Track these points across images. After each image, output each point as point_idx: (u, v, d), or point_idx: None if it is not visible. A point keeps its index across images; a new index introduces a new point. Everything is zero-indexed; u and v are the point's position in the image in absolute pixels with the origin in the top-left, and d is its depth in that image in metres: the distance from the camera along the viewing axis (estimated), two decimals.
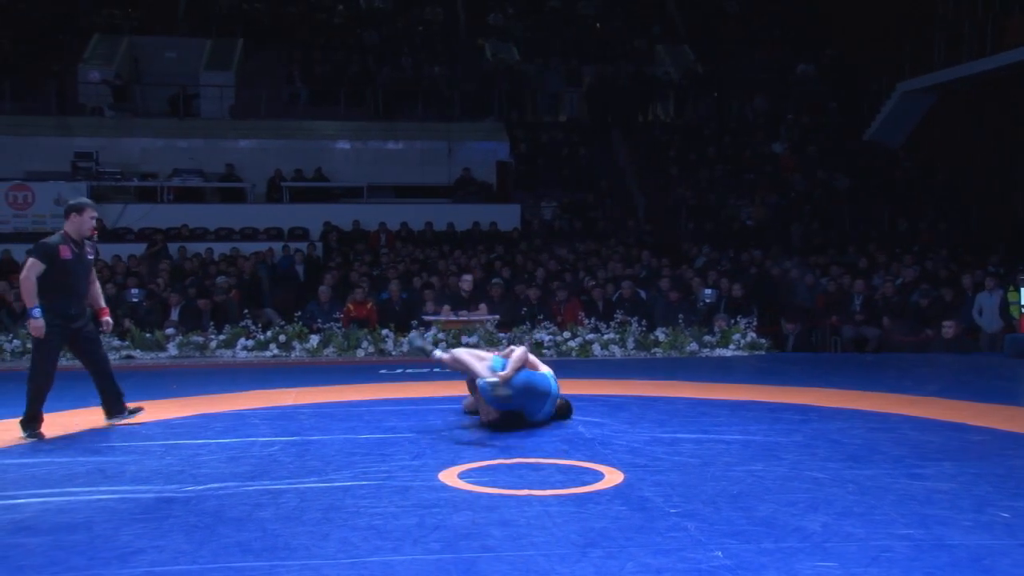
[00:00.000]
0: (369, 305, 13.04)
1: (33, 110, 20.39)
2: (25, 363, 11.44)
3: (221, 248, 16.59)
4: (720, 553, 3.88)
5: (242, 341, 12.09)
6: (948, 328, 12.13)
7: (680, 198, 19.43)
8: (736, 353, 12.02)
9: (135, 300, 13.20)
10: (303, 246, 16.76)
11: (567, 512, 4.49)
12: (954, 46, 19.57)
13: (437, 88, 22.03)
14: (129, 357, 11.83)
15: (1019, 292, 11.86)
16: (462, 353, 6.88)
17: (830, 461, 5.61)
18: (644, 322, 12.54)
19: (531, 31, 24.98)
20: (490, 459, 5.71)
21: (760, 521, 4.32)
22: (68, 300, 6.70)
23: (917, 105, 21.17)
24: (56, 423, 7.17)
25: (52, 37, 22.61)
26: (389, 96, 21.67)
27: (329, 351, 12.04)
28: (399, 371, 10.40)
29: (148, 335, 12.07)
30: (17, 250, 15.85)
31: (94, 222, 6.84)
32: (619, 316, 12.66)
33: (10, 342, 11.90)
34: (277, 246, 16.80)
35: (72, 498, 4.88)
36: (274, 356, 11.99)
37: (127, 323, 12.35)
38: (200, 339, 12.10)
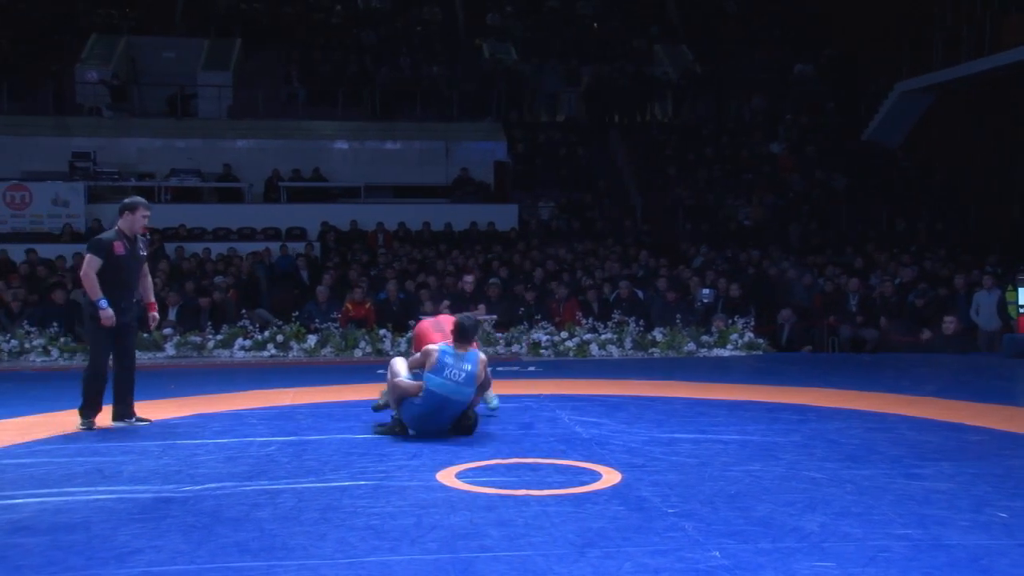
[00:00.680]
0: (367, 305, 13.03)
1: (31, 110, 20.36)
2: (23, 363, 11.49)
3: (218, 248, 16.56)
4: (718, 553, 3.88)
5: (240, 341, 12.08)
6: (949, 324, 12.14)
7: (678, 198, 19.43)
8: (734, 353, 12.03)
9: (134, 300, 13.16)
10: (301, 246, 16.74)
11: (565, 512, 4.49)
12: (952, 46, 19.58)
13: (435, 88, 22.02)
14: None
15: (1017, 292, 11.86)
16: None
17: (828, 461, 5.61)
18: (642, 322, 12.54)
19: (529, 31, 24.97)
20: (488, 459, 5.71)
21: (758, 521, 4.32)
22: (120, 293, 6.95)
23: (915, 105, 21.17)
24: (53, 423, 7.17)
25: (50, 37, 22.58)
26: (387, 96, 21.65)
27: (327, 351, 12.04)
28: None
29: (145, 335, 12.06)
30: (14, 250, 15.85)
31: (146, 220, 7.10)
32: (617, 316, 12.66)
33: (8, 342, 11.89)
34: (275, 246, 16.78)
35: (70, 498, 4.87)
36: (272, 356, 11.98)
37: None
38: (198, 339, 12.09)
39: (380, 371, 10.20)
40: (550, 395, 8.39)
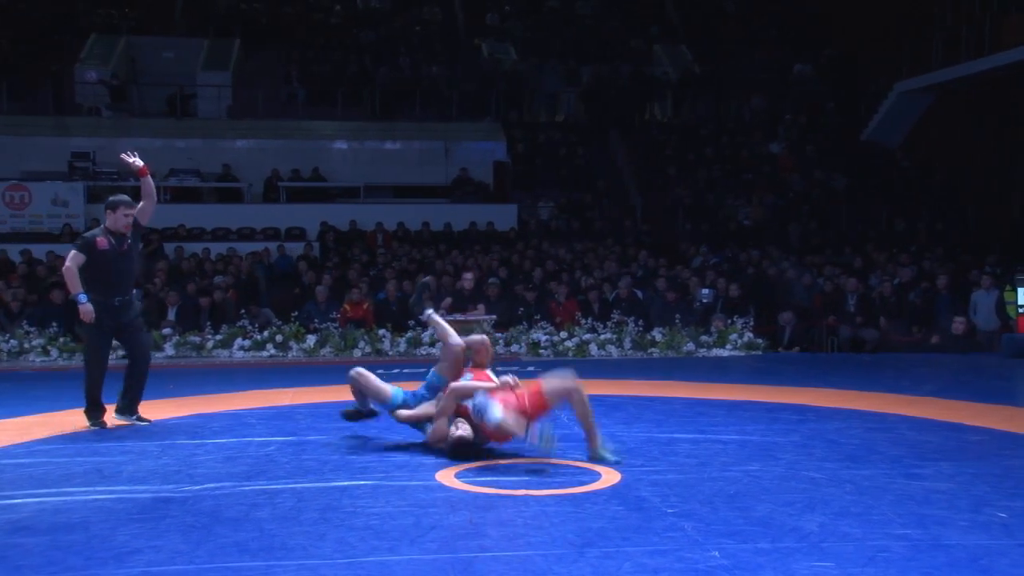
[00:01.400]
0: (365, 305, 13.03)
1: (30, 110, 20.35)
2: (22, 363, 11.49)
3: (218, 248, 16.56)
4: (717, 553, 3.88)
5: (239, 341, 12.09)
6: (958, 324, 12.13)
7: (677, 198, 19.43)
8: (733, 353, 12.03)
9: (131, 298, 13.15)
10: (300, 246, 16.74)
11: (564, 512, 4.49)
12: (952, 46, 19.58)
13: (435, 88, 22.02)
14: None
15: (1016, 292, 11.87)
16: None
17: (827, 461, 5.61)
18: (641, 322, 12.55)
19: (529, 31, 24.97)
20: (487, 459, 5.71)
21: (757, 521, 4.32)
22: (109, 291, 6.93)
23: (915, 105, 21.17)
24: (53, 423, 7.17)
25: (49, 37, 22.57)
26: (386, 96, 21.64)
27: (326, 351, 12.04)
28: (396, 371, 10.39)
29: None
30: (13, 250, 15.85)
31: (128, 218, 7.05)
32: (616, 316, 12.66)
33: (7, 342, 11.89)
34: (274, 246, 16.78)
35: (69, 498, 4.87)
36: (271, 356, 11.99)
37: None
38: (197, 339, 12.09)
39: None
40: None
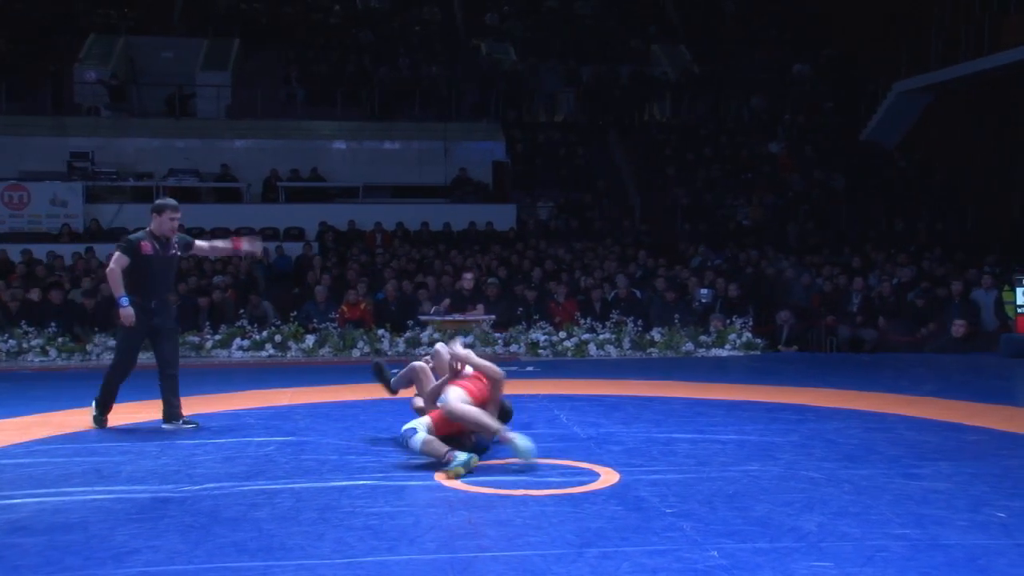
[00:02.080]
0: (363, 306, 13.02)
1: (29, 110, 20.35)
2: (21, 363, 11.49)
3: None
4: (716, 553, 3.88)
5: (238, 341, 12.08)
6: (959, 327, 12.13)
7: (676, 198, 19.44)
8: (732, 353, 12.03)
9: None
10: (299, 246, 16.75)
11: (563, 512, 4.49)
12: (951, 46, 19.59)
13: (434, 88, 22.02)
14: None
15: (1015, 292, 11.87)
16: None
17: (826, 461, 5.61)
18: (640, 322, 12.55)
19: (528, 31, 24.98)
20: (486, 459, 5.71)
21: (756, 521, 4.32)
22: (148, 294, 6.89)
23: (914, 105, 21.19)
24: (52, 423, 7.17)
25: (48, 37, 22.57)
26: (386, 96, 21.65)
27: (325, 351, 12.04)
28: (395, 371, 10.36)
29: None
30: (12, 250, 15.84)
31: (174, 223, 7.04)
32: (615, 316, 12.66)
33: (5, 342, 11.88)
34: (273, 246, 16.77)
35: (68, 498, 4.87)
36: (270, 356, 11.98)
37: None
38: (196, 339, 12.08)
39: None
40: (548, 395, 8.38)
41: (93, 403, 7.02)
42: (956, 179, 20.15)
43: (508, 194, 20.00)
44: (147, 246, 6.88)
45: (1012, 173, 19.08)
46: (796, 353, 12.67)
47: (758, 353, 12.10)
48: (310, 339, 12.12)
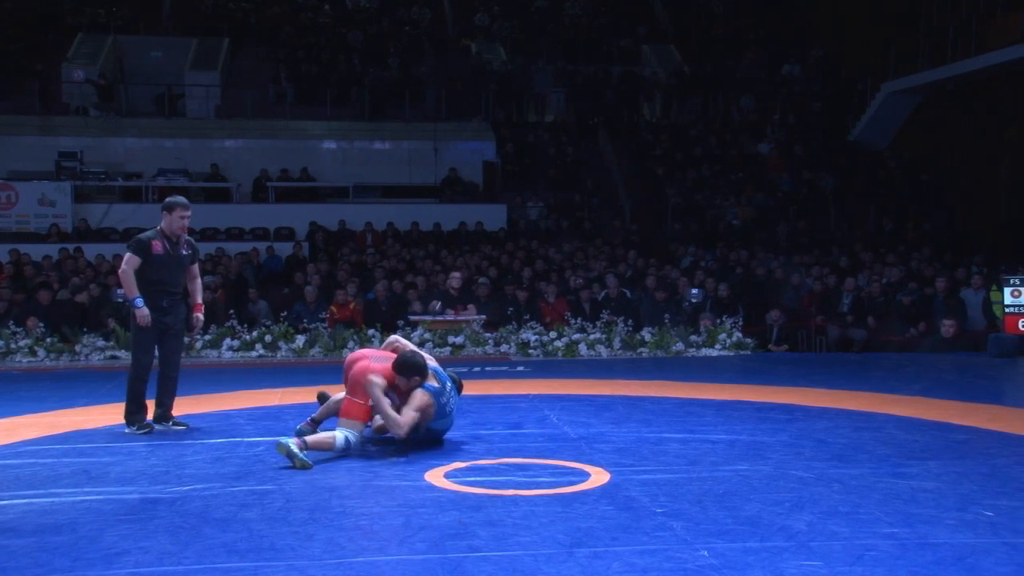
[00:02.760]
0: (352, 306, 13.00)
1: (17, 109, 20.25)
2: (9, 364, 11.43)
3: (206, 248, 16.46)
4: (706, 552, 3.89)
5: (228, 341, 12.05)
6: (948, 327, 12.18)
7: (666, 198, 19.47)
8: (722, 353, 12.05)
9: (120, 300, 13.12)
10: (289, 246, 16.72)
11: (553, 512, 4.50)
12: (939, 47, 19.67)
13: (424, 88, 22.01)
14: (114, 358, 11.77)
15: (1002, 291, 11.93)
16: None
17: (816, 460, 5.63)
18: (630, 322, 12.56)
19: (518, 31, 24.98)
20: (476, 459, 5.71)
21: (746, 520, 4.33)
22: (159, 293, 6.88)
23: (902, 105, 21.26)
24: (41, 423, 7.14)
25: (36, 36, 22.47)
26: (376, 96, 21.63)
27: (315, 351, 12.01)
28: None
29: (186, 339, 11.99)
30: (0, 250, 15.76)
31: (184, 220, 7.05)
32: (605, 316, 12.68)
33: None
34: (263, 246, 16.75)
35: (56, 499, 4.85)
36: (260, 356, 11.96)
37: (112, 323, 12.30)
38: (186, 339, 12.03)
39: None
40: (539, 395, 8.39)
41: (126, 419, 6.87)
42: (945, 179, 20.23)
43: (498, 194, 20.01)
44: (157, 245, 6.89)
45: (1000, 173, 19.17)
46: (786, 353, 12.70)
47: (748, 353, 12.13)
48: (300, 339, 12.10)
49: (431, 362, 6.12)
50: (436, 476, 5.26)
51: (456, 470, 5.42)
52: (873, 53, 21.74)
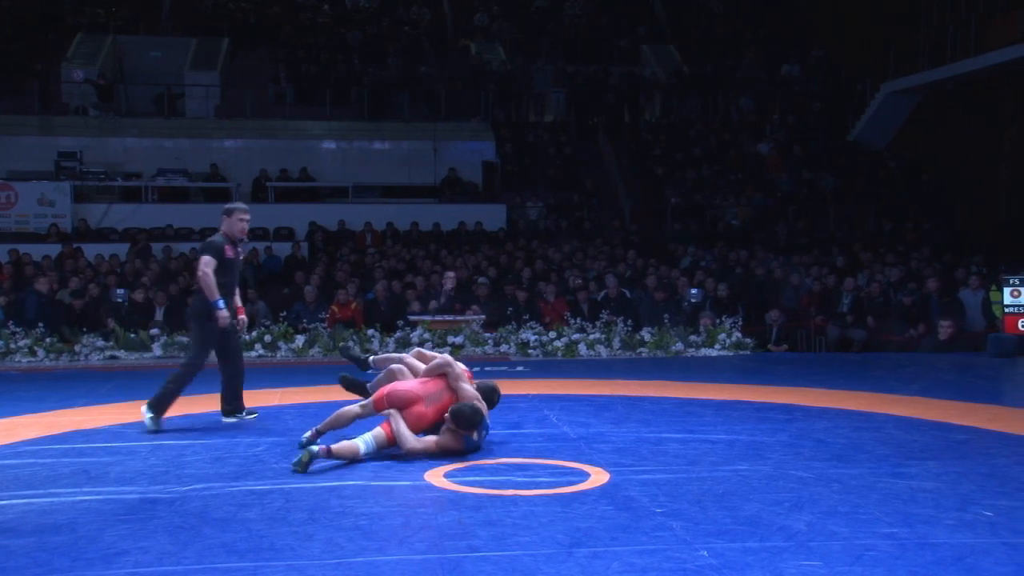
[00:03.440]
0: (353, 306, 13.01)
1: (16, 109, 20.23)
2: (9, 364, 11.43)
3: None
4: (705, 552, 3.89)
5: None
6: (945, 328, 12.18)
7: (666, 198, 19.47)
8: (722, 353, 12.05)
9: (120, 300, 13.14)
10: (288, 246, 16.72)
11: (553, 512, 4.50)
12: (939, 47, 19.67)
13: (423, 88, 22.00)
14: (113, 358, 11.77)
15: (1002, 291, 11.93)
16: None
17: (815, 460, 5.63)
18: (630, 322, 12.56)
19: (517, 31, 24.98)
20: (476, 459, 5.71)
21: (745, 520, 4.33)
22: (228, 295, 7.08)
23: (902, 106, 21.26)
24: (40, 423, 7.14)
25: (36, 36, 22.46)
26: (375, 96, 21.62)
27: (315, 351, 12.01)
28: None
29: (133, 335, 12.02)
30: (0, 250, 15.76)
31: (244, 224, 7.21)
32: (605, 316, 12.68)
33: None
34: (262, 246, 16.74)
35: (56, 499, 4.85)
36: (260, 356, 11.95)
37: (111, 323, 12.30)
38: (185, 339, 12.03)
39: (369, 371, 10.18)
40: (538, 395, 8.39)
41: (150, 406, 6.90)
42: (945, 179, 20.23)
43: (498, 194, 20.00)
44: (229, 249, 7.09)
45: (1000, 173, 19.17)
46: (785, 353, 12.70)
47: (747, 353, 12.13)
48: (300, 339, 12.10)
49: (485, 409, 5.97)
50: (436, 476, 5.26)
51: (455, 470, 5.42)
52: (873, 53, 21.74)
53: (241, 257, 7.32)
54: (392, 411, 5.84)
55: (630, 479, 5.14)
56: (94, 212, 17.98)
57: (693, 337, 12.29)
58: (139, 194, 18.97)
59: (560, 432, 6.60)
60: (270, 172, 19.66)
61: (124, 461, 5.77)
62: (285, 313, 12.81)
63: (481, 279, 14.00)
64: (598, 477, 5.21)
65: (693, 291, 13.57)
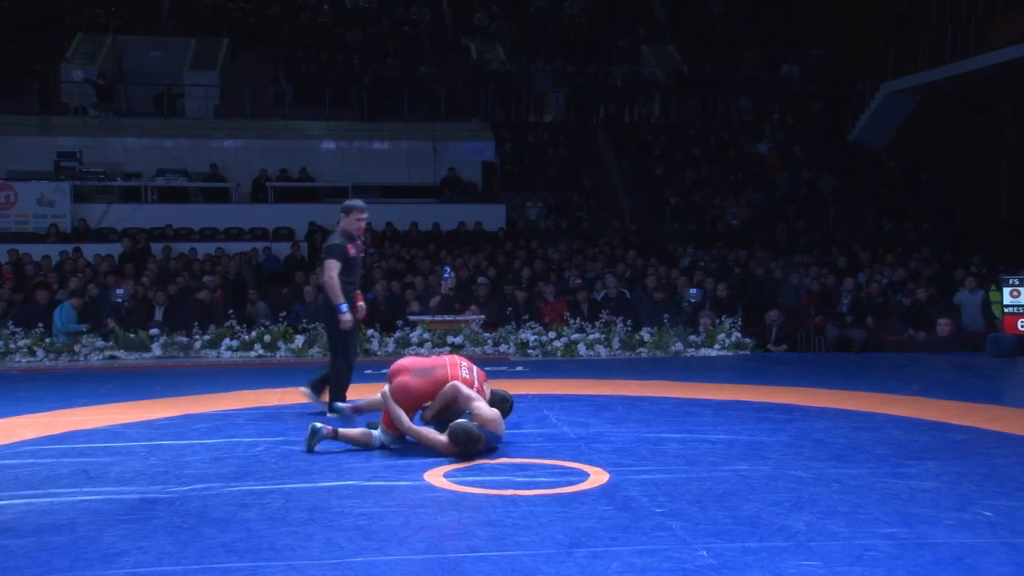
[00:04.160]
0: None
1: (16, 109, 20.24)
2: (8, 364, 11.42)
3: (206, 248, 16.51)
4: (705, 552, 3.89)
5: (227, 341, 12.05)
6: (944, 326, 12.18)
7: (665, 198, 19.47)
8: (721, 353, 12.06)
9: (119, 300, 13.13)
10: (288, 246, 16.72)
11: (552, 512, 4.50)
12: (938, 47, 19.68)
13: (423, 88, 22.00)
14: (113, 357, 11.77)
15: (1001, 291, 11.93)
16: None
17: (814, 460, 5.63)
18: (629, 322, 12.56)
19: (517, 31, 24.98)
20: (476, 459, 5.71)
21: (745, 520, 4.33)
22: (352, 291, 7.35)
23: (902, 106, 21.26)
24: (40, 423, 7.14)
25: (35, 36, 22.46)
26: (375, 96, 21.62)
27: (314, 351, 12.01)
28: (384, 371, 10.35)
29: (132, 335, 12.02)
30: (0, 250, 15.77)
31: (361, 223, 7.35)
32: (604, 316, 12.68)
33: None
34: (261, 246, 16.75)
35: (55, 499, 4.85)
36: (259, 356, 11.95)
37: (111, 323, 12.30)
38: (185, 339, 12.05)
39: (368, 371, 10.21)
40: (538, 395, 8.38)
41: (330, 411, 7.15)
42: (944, 179, 20.23)
43: (497, 194, 20.00)
44: (351, 248, 7.23)
45: (1000, 173, 19.17)
46: (785, 353, 12.70)
47: (747, 353, 12.13)
48: (299, 339, 12.09)
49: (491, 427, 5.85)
50: (435, 476, 5.26)
51: (455, 470, 5.42)
52: (872, 53, 21.74)
53: (362, 253, 7.48)
54: (384, 390, 6.04)
55: (630, 479, 5.14)
56: (94, 212, 17.98)
57: (693, 337, 12.30)
58: (139, 194, 18.97)
59: (560, 432, 6.60)
60: (270, 172, 19.66)
61: (124, 461, 5.77)
62: (285, 313, 12.81)
63: (481, 279, 14.00)
64: (598, 477, 5.21)
65: (693, 291, 13.57)
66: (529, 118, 22.79)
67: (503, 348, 12.04)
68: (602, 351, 12.04)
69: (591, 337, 12.13)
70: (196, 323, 12.53)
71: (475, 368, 6.27)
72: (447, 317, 12.42)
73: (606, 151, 21.59)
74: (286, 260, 16.23)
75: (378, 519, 4.41)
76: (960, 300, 13.16)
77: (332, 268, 7.08)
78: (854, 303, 13.48)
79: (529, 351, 12.01)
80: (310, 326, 12.29)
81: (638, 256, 16.11)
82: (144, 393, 8.56)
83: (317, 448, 5.98)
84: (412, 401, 6.00)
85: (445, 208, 19.02)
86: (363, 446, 6.04)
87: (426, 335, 11.98)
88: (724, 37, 25.31)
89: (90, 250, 15.90)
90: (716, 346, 12.15)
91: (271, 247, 16.77)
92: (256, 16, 24.59)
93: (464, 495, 4.87)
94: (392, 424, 6.00)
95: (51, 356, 11.80)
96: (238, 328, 12.22)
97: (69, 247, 16.03)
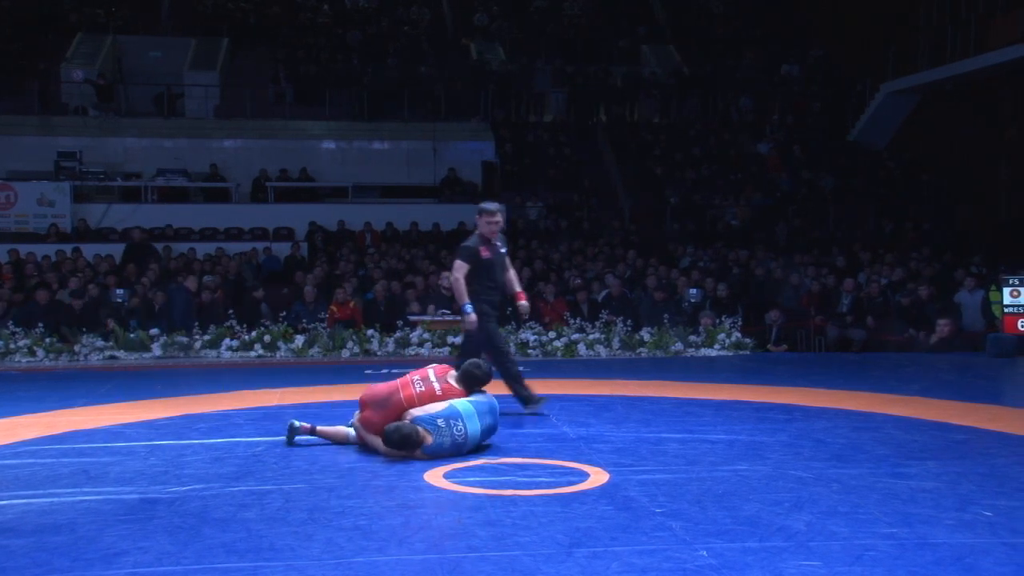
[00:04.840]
0: (352, 305, 13.01)
1: (16, 109, 20.25)
2: (8, 364, 11.42)
3: (206, 248, 16.51)
4: (705, 552, 3.89)
5: (227, 341, 12.05)
6: (943, 327, 12.18)
7: (665, 198, 19.47)
8: (721, 353, 12.06)
9: (120, 300, 13.13)
10: (288, 246, 16.73)
11: (552, 512, 4.50)
12: (938, 47, 19.68)
13: (423, 88, 22.00)
14: (113, 358, 11.77)
15: (1001, 291, 11.93)
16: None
17: (814, 460, 5.63)
18: (629, 322, 12.56)
19: (517, 31, 24.98)
20: (476, 459, 5.71)
21: (745, 520, 4.33)
22: (493, 291, 7.45)
23: (902, 106, 21.27)
24: (40, 423, 7.14)
25: (35, 36, 22.47)
26: (375, 96, 21.62)
27: (314, 351, 12.02)
28: (384, 371, 10.37)
29: (132, 335, 12.02)
30: (0, 250, 15.77)
31: (491, 226, 7.39)
32: (604, 316, 12.68)
33: None
34: (262, 246, 16.75)
35: (55, 499, 4.85)
36: (259, 356, 11.95)
37: (111, 323, 12.30)
38: (185, 339, 12.05)
39: (368, 371, 10.22)
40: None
41: (525, 403, 7.29)
42: (945, 179, 20.24)
43: (497, 194, 19.97)
44: (484, 251, 7.30)
45: (1000, 173, 19.18)
46: (785, 353, 12.70)
47: (747, 353, 12.14)
48: (299, 339, 12.09)
49: (432, 408, 5.86)
50: (435, 476, 5.26)
51: (455, 470, 5.42)
52: (872, 53, 21.74)
53: (503, 250, 7.52)
54: (355, 422, 6.15)
55: (630, 479, 5.14)
56: (94, 212, 17.98)
57: (693, 337, 12.30)
58: (139, 194, 18.97)
59: (560, 432, 6.60)
60: (270, 172, 19.67)
61: (124, 461, 5.77)
62: (285, 313, 12.81)
63: None
64: (598, 477, 5.21)
65: (693, 291, 13.57)
66: (529, 118, 22.79)
67: None
68: (602, 351, 12.04)
69: (591, 337, 12.13)
70: (196, 323, 12.53)
71: (432, 370, 6.24)
72: (447, 317, 12.42)
73: (606, 151, 21.59)
74: (286, 260, 16.23)
75: (378, 519, 4.41)
76: (960, 300, 13.16)
77: (458, 269, 7.19)
78: (854, 303, 13.47)
79: (529, 351, 12.01)
80: (310, 326, 12.29)
81: (638, 256, 16.11)
82: (144, 393, 8.56)
83: (296, 440, 6.14)
84: (379, 431, 5.93)
85: (445, 208, 19.02)
86: (340, 443, 6.15)
87: (426, 335, 11.97)
88: (724, 37, 25.31)
89: (90, 250, 15.90)
90: (716, 346, 12.15)
91: (271, 247, 16.77)
92: (256, 16, 24.59)
93: (464, 495, 4.87)
94: (368, 425, 6.03)
95: (51, 356, 11.81)
96: (238, 328, 12.22)
97: (69, 247, 16.03)
